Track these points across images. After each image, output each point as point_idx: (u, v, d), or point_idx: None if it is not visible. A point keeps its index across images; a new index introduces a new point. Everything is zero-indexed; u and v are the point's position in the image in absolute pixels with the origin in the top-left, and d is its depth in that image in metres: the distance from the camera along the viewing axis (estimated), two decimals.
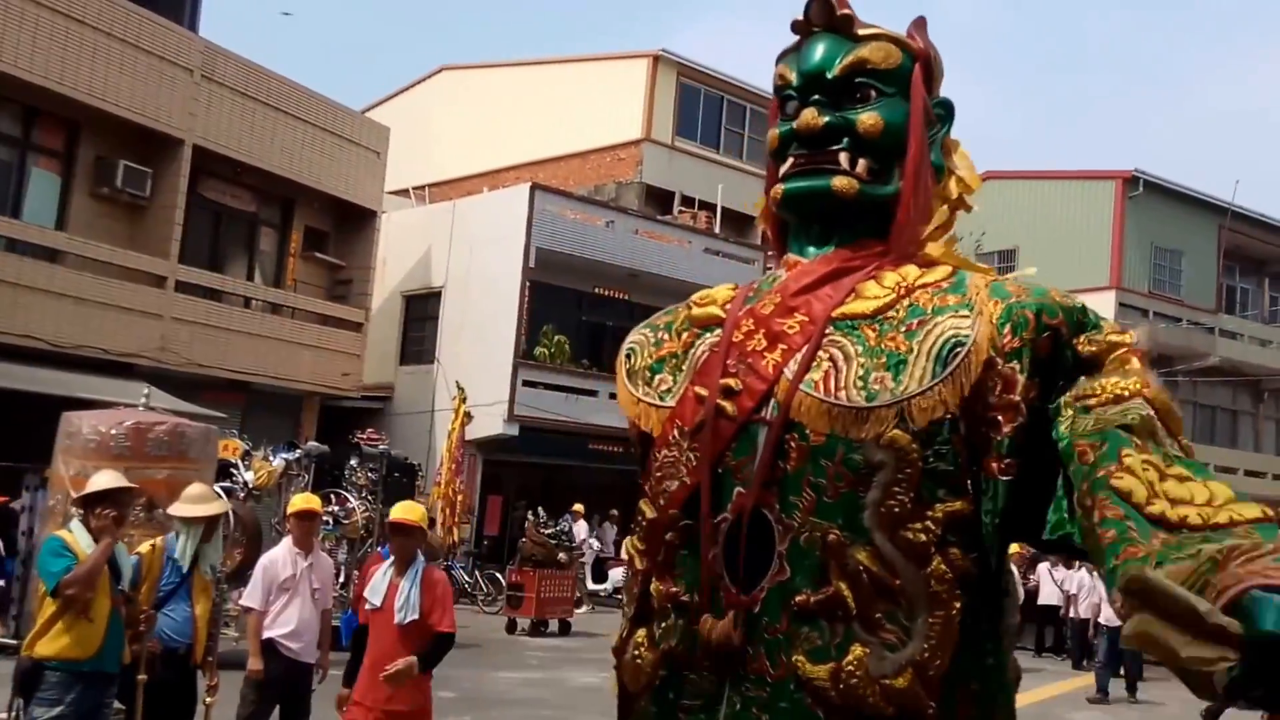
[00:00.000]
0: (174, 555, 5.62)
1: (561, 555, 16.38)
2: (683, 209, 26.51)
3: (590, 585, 20.21)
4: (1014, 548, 9.38)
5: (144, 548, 5.64)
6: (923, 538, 1.60)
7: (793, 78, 1.88)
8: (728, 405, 1.71)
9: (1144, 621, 1.14)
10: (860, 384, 1.65)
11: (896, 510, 1.60)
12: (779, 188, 1.87)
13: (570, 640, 15.55)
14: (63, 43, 16.19)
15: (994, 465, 1.63)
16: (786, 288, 1.81)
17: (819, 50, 1.86)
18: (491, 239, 22.15)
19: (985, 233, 25.03)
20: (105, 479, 5.28)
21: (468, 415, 17.22)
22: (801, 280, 1.80)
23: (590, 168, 27.38)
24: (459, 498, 16.87)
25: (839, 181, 1.80)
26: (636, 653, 1.73)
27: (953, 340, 1.65)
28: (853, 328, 1.72)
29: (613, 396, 23.33)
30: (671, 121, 27.04)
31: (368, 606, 5.30)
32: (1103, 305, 25.77)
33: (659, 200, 26.78)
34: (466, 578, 18.75)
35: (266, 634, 6.27)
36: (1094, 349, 1.69)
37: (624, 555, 1.92)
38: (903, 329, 1.69)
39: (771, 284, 1.87)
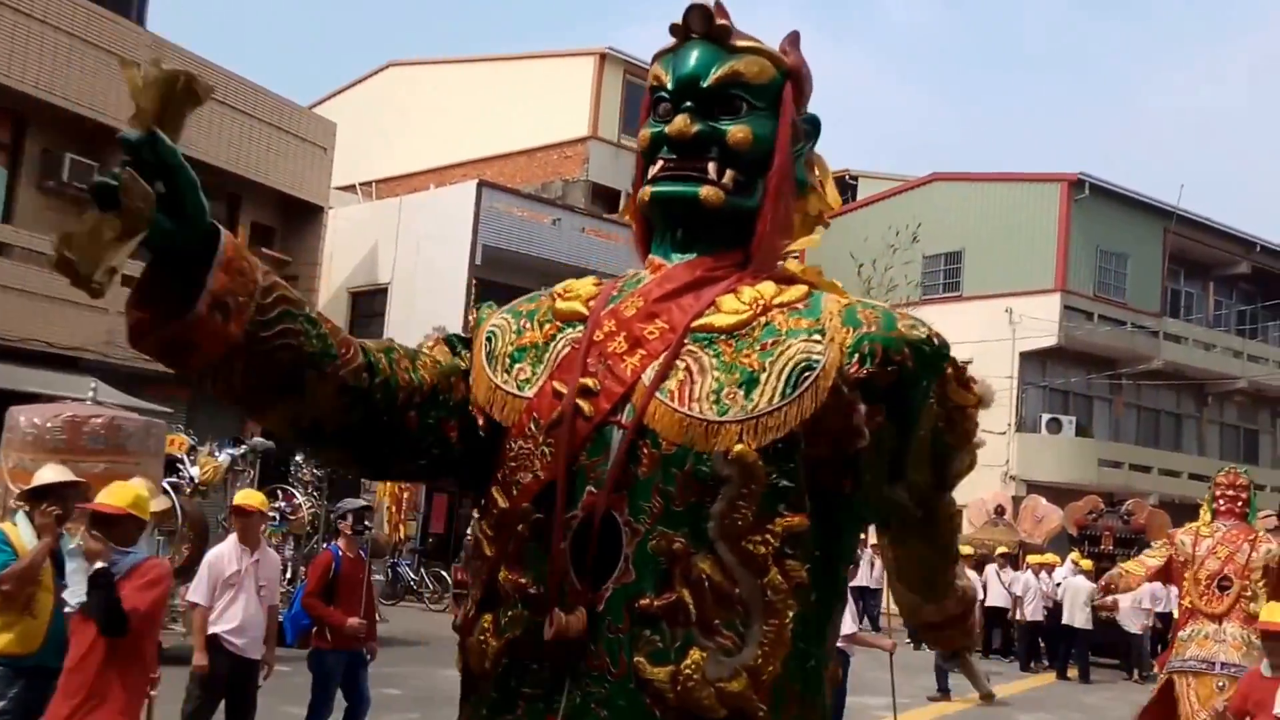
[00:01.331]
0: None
1: None
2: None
3: None
4: (967, 549, 9.53)
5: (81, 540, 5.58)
6: (762, 550, 1.67)
7: (667, 80, 1.92)
8: (585, 405, 1.75)
9: None
10: (713, 398, 1.71)
11: (739, 523, 1.67)
12: (647, 189, 1.92)
13: None
14: (9, 35, 15.97)
15: (842, 483, 1.76)
16: (650, 292, 1.86)
17: (694, 57, 1.89)
18: (438, 236, 22.10)
19: (921, 224, 25.41)
20: (49, 473, 5.24)
21: None
22: (665, 286, 1.86)
23: (537, 165, 27.40)
24: (405, 495, 16.83)
25: (706, 191, 1.85)
26: (482, 638, 1.77)
27: (803, 364, 1.72)
28: (710, 341, 1.77)
29: None
30: (618, 119, 27.13)
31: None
32: (1048, 307, 26.24)
33: (605, 198, 26.86)
34: (413, 575, 18.69)
35: (211, 629, 6.29)
36: (955, 399, 1.85)
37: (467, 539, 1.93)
38: (758, 347, 1.75)
39: (635, 284, 1.92)
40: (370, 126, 28.19)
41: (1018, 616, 16.94)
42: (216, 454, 11.57)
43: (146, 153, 1.51)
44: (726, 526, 1.67)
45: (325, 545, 9.65)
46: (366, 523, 8.14)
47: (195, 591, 6.42)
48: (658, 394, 1.73)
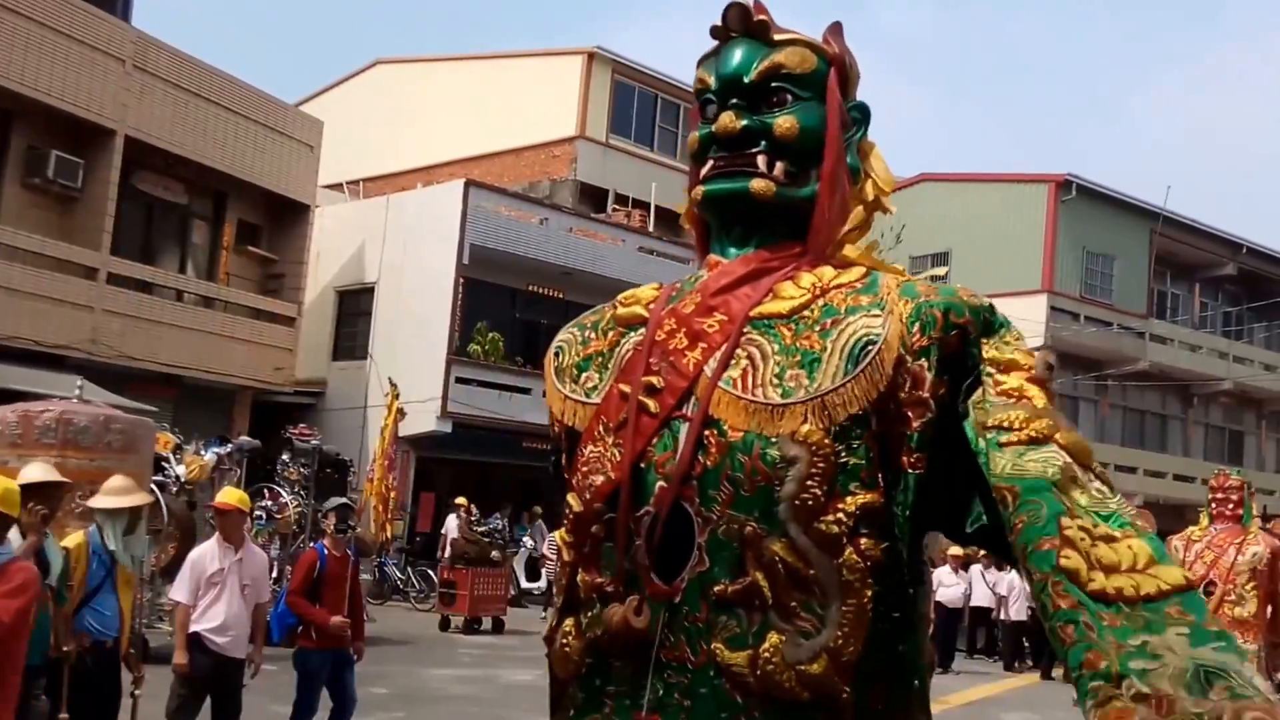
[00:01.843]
0: (97, 548, 5.57)
1: (494, 553, 16.42)
2: (617, 207, 26.60)
3: (525, 583, 20.24)
4: (955, 549, 9.51)
5: (69, 541, 5.56)
6: (835, 529, 1.66)
7: (711, 82, 1.94)
8: (650, 402, 1.77)
9: None
10: (776, 381, 1.72)
11: (810, 503, 1.66)
12: (699, 189, 1.93)
13: (503, 638, 15.59)
14: None
15: (905, 460, 1.70)
16: (707, 287, 1.87)
17: (736, 55, 1.91)
18: (425, 235, 22.08)
19: (905, 225, 25.48)
20: (35, 471, 5.25)
21: (401, 412, 17.13)
22: (721, 280, 1.87)
23: (524, 164, 27.38)
24: (391, 494, 16.80)
25: (757, 184, 1.85)
26: (565, 641, 1.80)
27: (865, 339, 1.72)
28: (769, 327, 1.78)
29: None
30: (606, 119, 27.12)
31: None
32: (1035, 309, 26.32)
33: (593, 198, 26.85)
34: (399, 575, 18.69)
35: (194, 628, 6.27)
36: (997, 354, 1.73)
37: (546, 550, 1.98)
38: (817, 328, 1.76)
39: (694, 284, 1.93)
40: (357, 125, 28.13)
41: (1002, 616, 17.02)
42: (203, 453, 11.56)
43: None
44: (797, 508, 1.65)
45: (311, 544, 9.66)
46: (350, 522, 8.13)
47: (177, 590, 6.40)
48: (721, 384, 1.74)
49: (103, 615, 5.52)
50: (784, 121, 1.86)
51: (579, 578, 1.80)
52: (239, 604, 6.42)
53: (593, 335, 1.97)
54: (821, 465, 1.66)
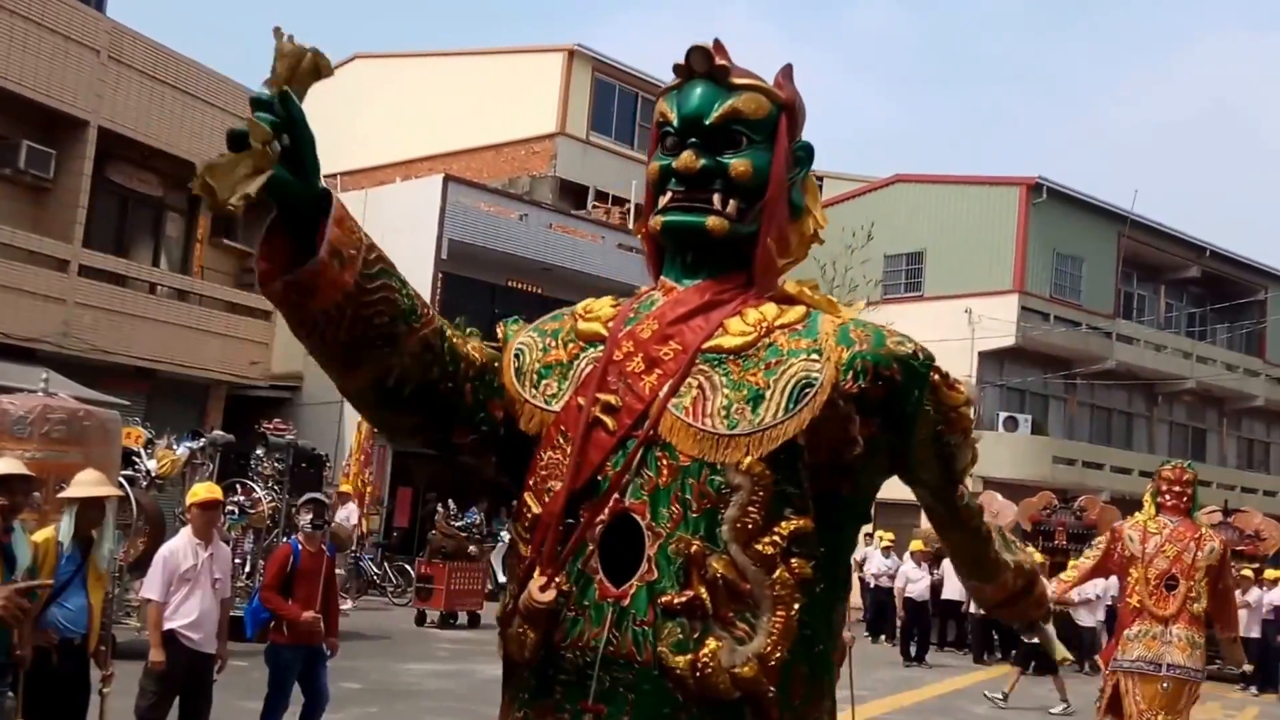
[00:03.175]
0: (63, 543, 5.52)
1: (472, 548, 16.41)
2: (596, 204, 26.63)
3: (502, 578, 20.24)
4: (919, 544, 9.63)
5: (37, 536, 5.50)
6: (770, 550, 1.86)
7: (673, 117, 2.08)
8: (608, 420, 1.93)
9: None
10: (724, 413, 1.89)
11: (750, 526, 1.85)
12: (658, 219, 2.08)
13: (480, 632, 15.59)
14: None
15: (845, 486, 1.95)
16: (664, 315, 2.03)
17: (697, 96, 2.05)
18: (403, 229, 21.99)
19: (875, 224, 25.71)
20: (0, 464, 5.21)
21: None
22: (677, 310, 2.02)
23: (504, 161, 27.36)
24: (368, 489, 16.79)
25: (713, 221, 2.01)
26: (521, 630, 1.93)
27: (804, 381, 1.90)
28: (720, 361, 1.95)
29: None
30: (586, 116, 27.13)
31: None
32: (1006, 308, 26.54)
33: (573, 195, 26.86)
34: (375, 570, 18.66)
35: (168, 625, 6.24)
36: (934, 408, 2.00)
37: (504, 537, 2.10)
38: (762, 366, 1.93)
39: (650, 306, 2.07)
40: (336, 119, 28.00)
41: (972, 610, 17.17)
42: (175, 447, 11.49)
43: (277, 109, 1.72)
44: (738, 530, 1.85)
45: (285, 539, 9.62)
46: (325, 516, 8.11)
47: (149, 587, 6.34)
48: (673, 409, 1.90)
49: (70, 612, 5.45)
50: (739, 164, 2.02)
51: (537, 574, 1.92)
52: (211, 600, 6.40)
53: (553, 344, 2.10)
54: (761, 493, 1.85)
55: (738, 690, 1.83)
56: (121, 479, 9.89)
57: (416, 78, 28.93)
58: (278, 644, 7.16)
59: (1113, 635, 7.54)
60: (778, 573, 1.86)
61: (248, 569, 12.04)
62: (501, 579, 20.18)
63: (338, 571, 9.58)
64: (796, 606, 1.87)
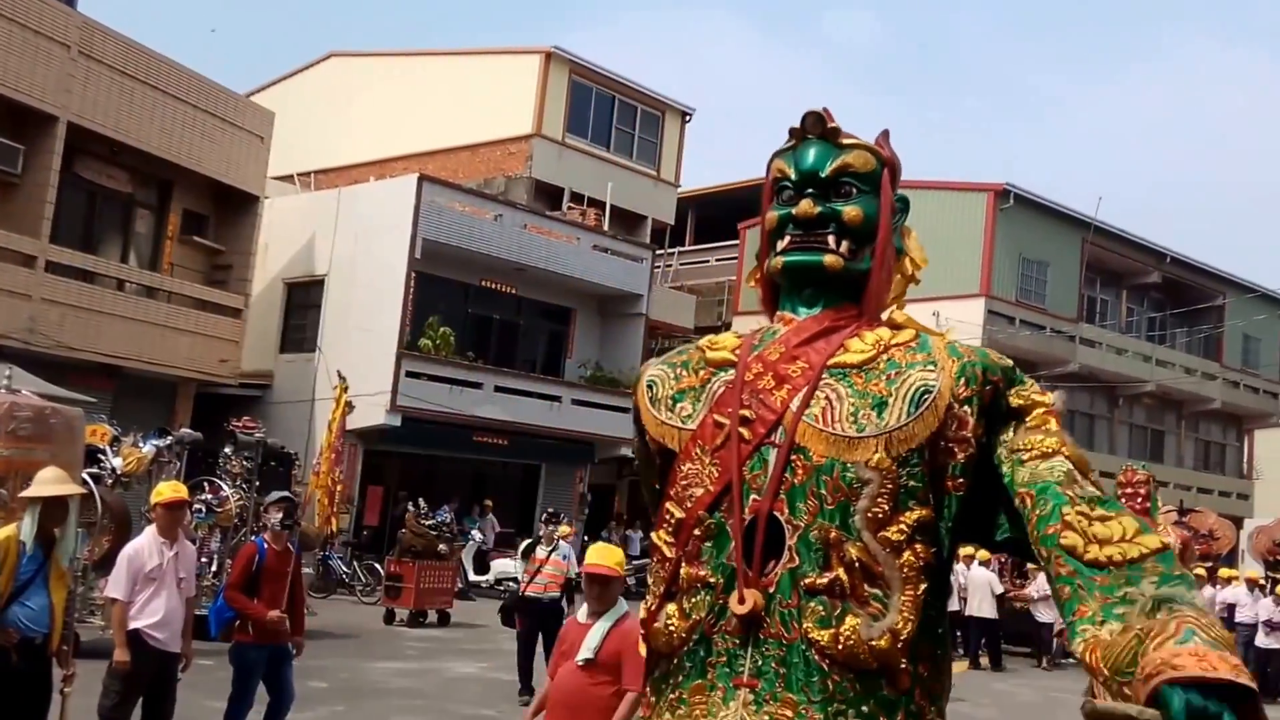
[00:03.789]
0: (25, 542, 5.48)
1: (441, 546, 16.43)
2: (572, 205, 26.65)
3: (473, 576, 20.28)
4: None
5: None
6: (897, 536, 2.10)
7: (791, 173, 2.39)
8: (744, 431, 2.20)
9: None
10: (851, 419, 2.15)
11: (879, 516, 2.10)
12: (779, 259, 2.37)
13: (449, 631, 15.62)
14: None
15: (950, 484, 2.16)
16: (789, 340, 2.31)
17: (812, 154, 2.37)
18: (377, 228, 21.99)
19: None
20: None
21: (349, 405, 17.10)
22: (801, 335, 2.31)
23: (480, 161, 27.34)
24: (338, 488, 16.75)
25: (829, 259, 2.32)
26: (669, 623, 2.20)
27: (923, 388, 2.16)
28: (844, 375, 2.22)
29: (497, 389, 23.24)
30: (562, 118, 27.15)
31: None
32: (973, 312, 26.81)
33: (548, 196, 26.87)
34: (345, 568, 18.63)
35: (133, 625, 6.23)
36: (1022, 402, 2.21)
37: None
38: (884, 378, 2.20)
39: (773, 335, 2.35)
40: (310, 117, 27.94)
41: (967, 612, 17.30)
42: (141, 445, 11.44)
43: None
44: (869, 519, 2.10)
45: (252, 538, 9.61)
46: (295, 515, 8.11)
47: (114, 586, 6.32)
48: (805, 418, 2.17)
49: (32, 611, 5.42)
50: (851, 210, 2.33)
51: (683, 571, 2.19)
52: (176, 599, 6.39)
53: (684, 373, 2.40)
54: (889, 486, 2.11)
55: (875, 661, 2.06)
56: (87, 477, 9.86)
57: (393, 77, 28.86)
58: (242, 643, 7.13)
59: None
60: (905, 556, 2.10)
61: (214, 568, 12.02)
62: (473, 578, 20.25)
63: (305, 570, 9.58)
64: (923, 587, 2.11)
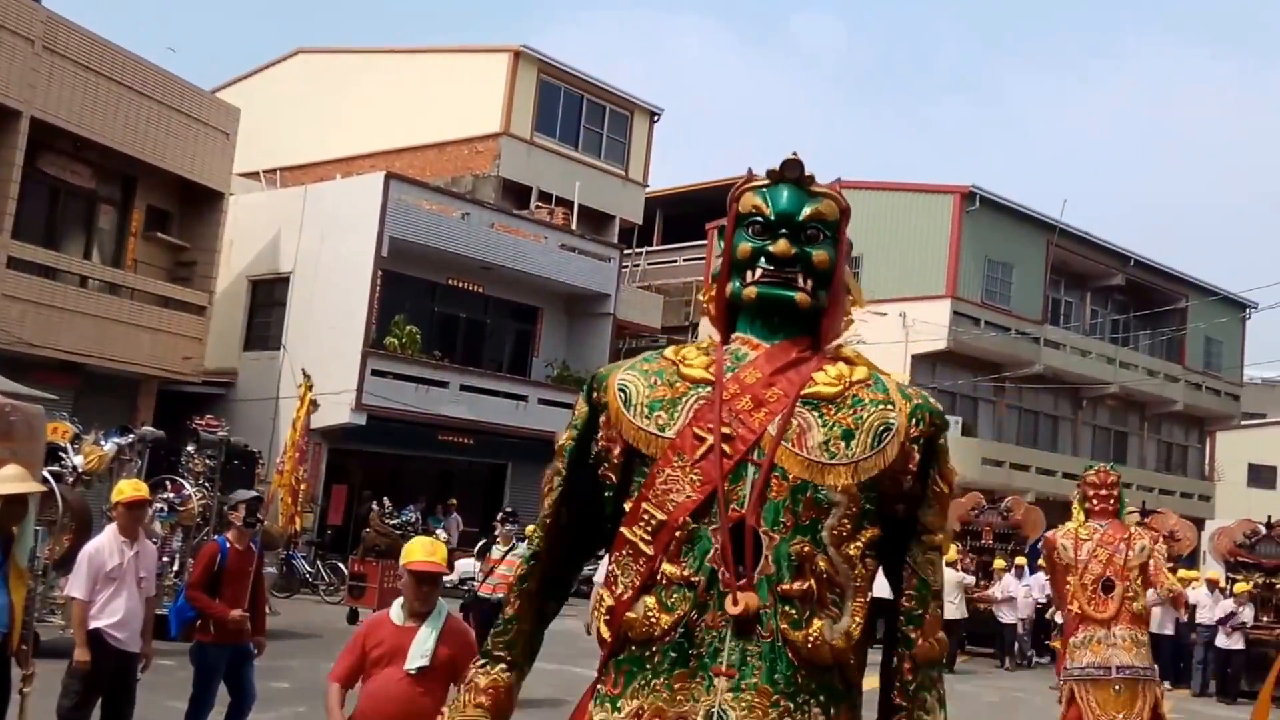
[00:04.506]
0: None
1: None
2: (540, 204, 26.64)
3: None
4: None
5: None
6: (855, 552, 2.43)
7: (768, 211, 2.65)
8: (726, 447, 2.44)
9: None
10: (823, 446, 2.44)
11: (842, 533, 2.42)
12: (754, 289, 2.62)
13: None
14: None
15: (896, 508, 2.52)
16: (763, 365, 2.57)
17: (787, 197, 2.64)
18: (344, 226, 21.91)
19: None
20: None
21: (314, 403, 17.04)
22: (774, 362, 2.57)
23: (447, 159, 27.28)
24: (302, 487, 16.69)
25: (800, 296, 2.59)
26: (649, 614, 2.42)
27: (883, 425, 2.49)
28: (815, 405, 2.50)
29: (463, 388, 23.18)
30: (531, 117, 27.14)
31: None
32: (939, 313, 27.05)
33: (516, 195, 26.85)
34: (308, 568, 18.56)
35: (93, 624, 6.21)
36: (943, 462, 2.59)
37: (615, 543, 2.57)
38: (850, 412, 2.50)
39: (743, 357, 2.60)
40: (277, 113, 27.76)
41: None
42: (102, 443, 11.37)
43: None
44: (835, 535, 2.41)
45: (214, 537, 9.58)
46: (259, 514, 8.10)
47: (74, 585, 6.30)
48: (784, 442, 2.44)
49: None
50: (819, 254, 2.62)
51: (663, 568, 2.42)
52: (137, 598, 6.38)
53: (658, 382, 2.60)
54: (853, 508, 2.43)
55: (833, 657, 2.39)
56: (48, 475, 9.80)
57: (360, 74, 28.73)
58: (204, 643, 7.09)
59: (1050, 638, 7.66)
60: (858, 569, 2.43)
61: (176, 567, 11.96)
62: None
63: (268, 570, 9.57)
64: (868, 595, 2.45)
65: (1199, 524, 25.42)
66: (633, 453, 2.54)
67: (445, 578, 16.36)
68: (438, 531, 20.81)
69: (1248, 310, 36.30)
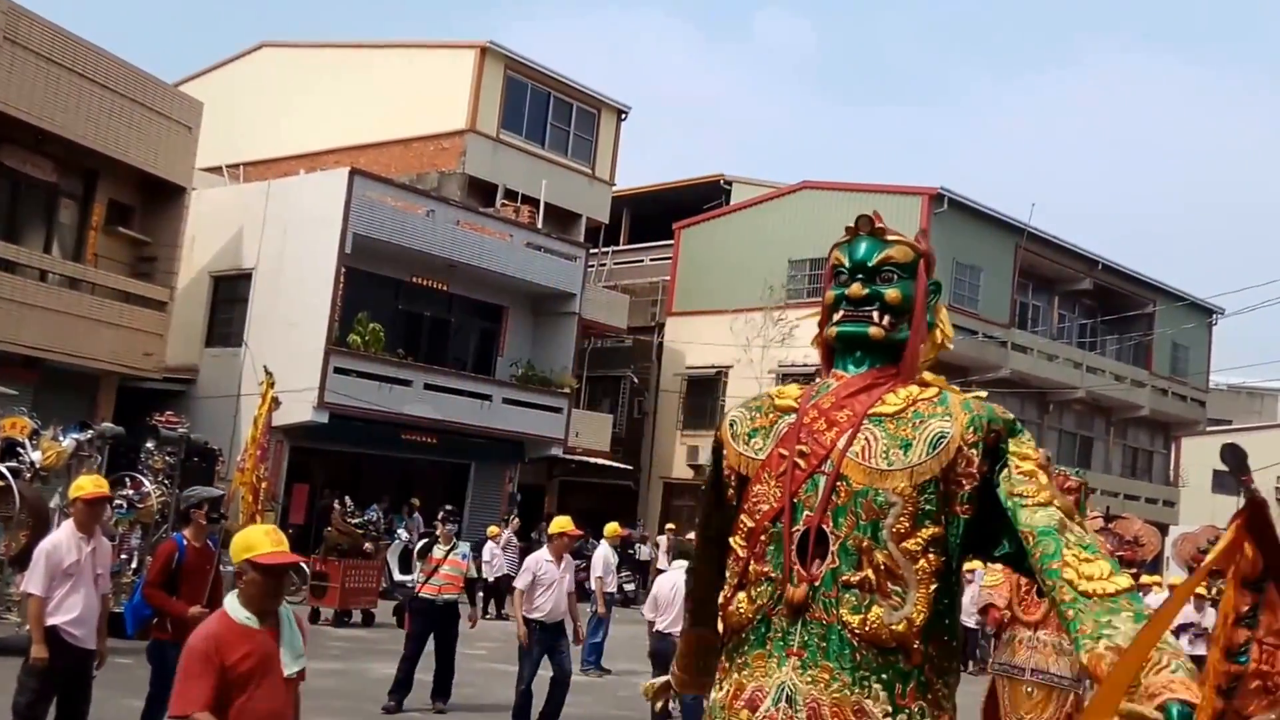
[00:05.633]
0: None
1: (367, 545, 16.30)
2: (506, 202, 26.54)
3: (398, 576, 20.09)
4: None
5: None
6: (914, 547, 2.74)
7: (846, 262, 3.08)
8: (801, 462, 2.86)
9: None
10: (884, 455, 2.80)
11: (901, 531, 2.75)
12: (833, 330, 3.05)
13: (373, 631, 15.52)
14: None
15: (958, 508, 2.80)
16: (839, 392, 2.96)
17: (863, 248, 3.06)
18: (307, 222, 21.73)
19: (789, 230, 26.08)
20: None
21: (276, 401, 16.85)
22: (849, 389, 2.96)
23: (413, 156, 27.13)
24: (263, 485, 16.50)
25: (874, 330, 2.98)
26: (739, 607, 2.87)
27: (940, 434, 2.81)
28: (880, 421, 2.87)
29: (427, 387, 23.03)
30: (497, 114, 27.04)
31: None
32: None
33: (482, 192, 26.74)
34: None
35: (50, 621, 6.15)
36: (1018, 449, 2.82)
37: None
38: (910, 425, 2.84)
39: (827, 389, 3.01)
40: (240, 108, 27.51)
41: None
42: (61, 438, 11.22)
43: None
44: (894, 532, 2.75)
45: (172, 535, 9.47)
46: (221, 511, 8.01)
47: (31, 582, 6.23)
48: (850, 455, 2.82)
49: None
50: (892, 293, 3.00)
51: (751, 567, 2.85)
52: (94, 595, 6.32)
53: (757, 415, 3.07)
54: (910, 508, 2.75)
55: (894, 640, 2.70)
56: (5, 470, 9.66)
57: (325, 69, 28.50)
58: (161, 641, 7.05)
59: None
60: (920, 563, 2.74)
61: (134, 564, 11.82)
62: (398, 577, 20.00)
63: (226, 568, 9.44)
64: (933, 587, 2.75)
65: (1163, 529, 25.71)
66: (741, 476, 2.99)
67: (409, 578, 15.81)
68: (399, 531, 20.68)
69: (1214, 316, 36.73)
